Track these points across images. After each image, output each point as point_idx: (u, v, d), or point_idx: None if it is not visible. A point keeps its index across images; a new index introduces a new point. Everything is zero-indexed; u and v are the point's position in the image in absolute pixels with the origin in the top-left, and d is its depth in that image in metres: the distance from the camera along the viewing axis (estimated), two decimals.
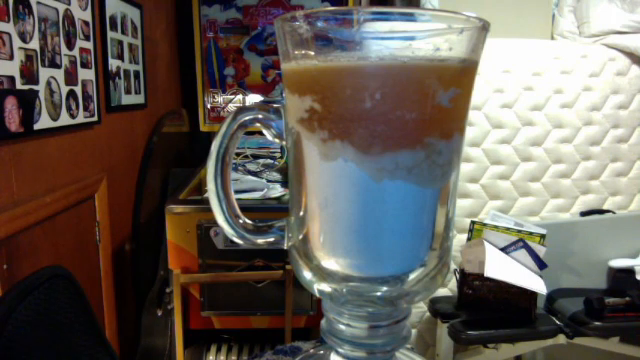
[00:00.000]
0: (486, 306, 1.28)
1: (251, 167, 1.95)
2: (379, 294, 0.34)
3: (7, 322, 0.58)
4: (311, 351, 0.44)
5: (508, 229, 1.28)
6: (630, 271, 1.38)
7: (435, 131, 0.31)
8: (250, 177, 1.82)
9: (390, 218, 0.32)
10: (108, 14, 1.53)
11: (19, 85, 1.04)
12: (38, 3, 1.11)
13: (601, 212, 1.57)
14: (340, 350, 0.36)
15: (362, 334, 0.35)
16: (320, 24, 0.32)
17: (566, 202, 1.62)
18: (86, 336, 0.71)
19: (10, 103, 1.01)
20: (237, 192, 1.60)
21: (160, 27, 2.12)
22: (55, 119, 1.20)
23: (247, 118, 0.36)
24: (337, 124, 0.31)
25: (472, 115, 1.54)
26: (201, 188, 1.76)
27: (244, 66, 2.21)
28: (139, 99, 1.83)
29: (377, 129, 0.30)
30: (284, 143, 0.36)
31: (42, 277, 0.66)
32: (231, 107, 2.22)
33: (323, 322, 0.37)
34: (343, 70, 0.31)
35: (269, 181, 1.78)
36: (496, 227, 1.28)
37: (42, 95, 1.14)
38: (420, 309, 1.53)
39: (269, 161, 2.04)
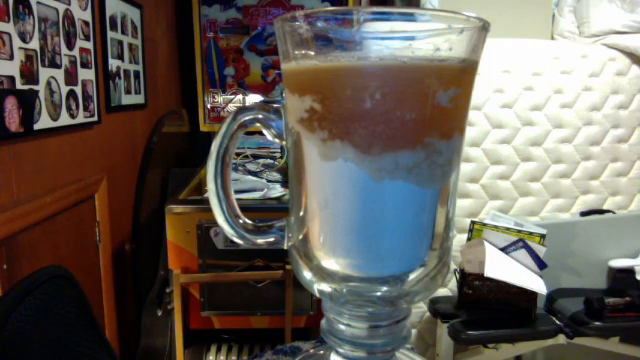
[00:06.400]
0: (486, 306, 1.28)
1: (251, 167, 1.95)
2: (379, 294, 0.34)
3: (7, 322, 0.58)
4: (311, 351, 0.44)
5: (508, 229, 1.28)
6: (630, 271, 1.38)
7: (435, 131, 0.31)
8: (250, 177, 1.82)
9: (390, 218, 0.32)
10: (108, 14, 1.53)
11: (19, 85, 1.05)
12: (38, 3, 1.11)
13: (601, 212, 1.57)
14: (340, 350, 0.36)
15: (362, 334, 0.35)
16: (320, 24, 0.32)
17: (566, 202, 1.62)
18: (86, 336, 0.71)
19: (10, 103, 1.01)
20: (237, 192, 1.60)
21: (160, 27, 2.12)
22: (55, 119, 1.20)
23: (247, 118, 0.36)
24: (337, 124, 0.31)
25: (472, 115, 1.54)
26: (201, 188, 1.76)
27: (244, 66, 2.21)
28: (139, 99, 1.83)
29: (377, 129, 0.30)
30: (284, 143, 0.36)
31: (42, 277, 0.66)
32: (231, 107, 2.22)
33: (323, 322, 0.37)
34: (343, 70, 0.31)
35: (269, 181, 1.78)
36: (496, 227, 1.28)
37: (42, 95, 1.14)
38: (420, 309, 1.53)
39: (269, 161, 2.04)
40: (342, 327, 0.35)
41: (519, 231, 1.27)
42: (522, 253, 1.24)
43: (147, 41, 1.89)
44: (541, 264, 1.22)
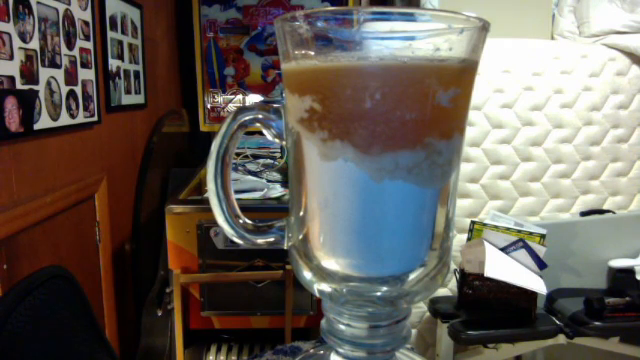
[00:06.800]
0: (486, 306, 1.28)
1: (251, 167, 1.95)
2: (379, 294, 0.34)
3: (7, 322, 0.58)
4: (311, 351, 0.44)
5: (508, 229, 1.28)
6: (630, 271, 1.38)
7: (435, 131, 0.31)
8: (250, 177, 1.82)
9: (390, 218, 0.32)
10: (108, 14, 1.53)
11: (19, 85, 1.05)
12: (38, 3, 1.11)
13: (601, 212, 1.57)
14: (340, 350, 0.36)
15: (362, 334, 0.35)
16: (320, 24, 0.32)
17: (566, 202, 1.62)
18: (86, 336, 0.71)
19: (10, 103, 1.01)
20: (237, 192, 1.60)
21: (160, 27, 2.12)
22: (55, 119, 1.20)
23: (247, 118, 0.36)
24: (337, 124, 0.31)
25: (472, 115, 1.54)
26: (201, 188, 1.76)
27: (244, 66, 2.21)
28: (139, 99, 1.83)
29: (377, 129, 0.30)
30: (284, 143, 0.36)
31: (42, 277, 0.66)
32: (231, 107, 2.22)
33: (323, 322, 0.37)
34: (343, 70, 0.31)
35: (269, 181, 1.78)
36: (496, 227, 1.28)
37: (42, 95, 1.14)
38: (420, 309, 1.53)
39: (269, 161, 2.04)
40: (342, 327, 0.35)
41: (519, 231, 1.27)
42: (522, 253, 1.24)
43: (147, 41, 1.89)
44: (541, 264, 1.22)
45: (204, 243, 1.51)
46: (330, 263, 0.34)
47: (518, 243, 1.24)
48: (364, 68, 0.30)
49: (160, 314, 1.66)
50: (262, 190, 1.63)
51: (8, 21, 1.01)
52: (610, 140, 1.64)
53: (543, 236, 1.26)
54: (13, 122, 1.03)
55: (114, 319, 1.57)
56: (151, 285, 1.74)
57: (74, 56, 1.29)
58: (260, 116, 0.36)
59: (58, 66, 1.21)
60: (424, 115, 0.31)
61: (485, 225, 1.29)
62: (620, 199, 1.65)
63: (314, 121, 0.32)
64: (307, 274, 0.35)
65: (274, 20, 0.33)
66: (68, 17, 1.26)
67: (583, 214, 1.56)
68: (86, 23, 1.36)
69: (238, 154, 2.05)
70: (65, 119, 1.25)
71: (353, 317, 0.35)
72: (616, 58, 1.64)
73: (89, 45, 1.38)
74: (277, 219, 0.38)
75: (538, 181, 1.60)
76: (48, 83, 1.16)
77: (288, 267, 1.49)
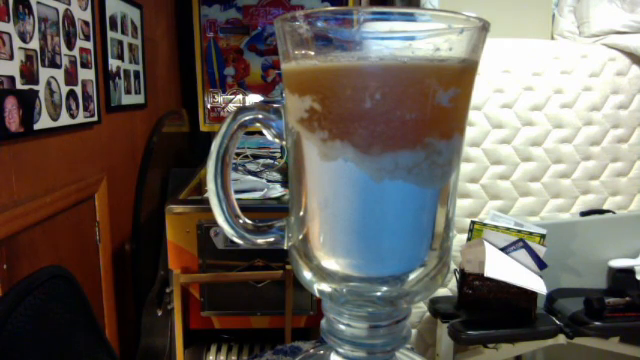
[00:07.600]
0: (486, 306, 1.28)
1: (251, 167, 1.95)
2: (379, 294, 0.34)
3: (7, 322, 0.58)
4: (311, 351, 0.44)
5: (508, 229, 1.28)
6: (630, 271, 1.38)
7: (435, 131, 0.31)
8: (250, 177, 1.82)
9: (390, 218, 0.32)
10: (108, 14, 1.53)
11: (19, 85, 1.05)
12: (38, 3, 1.11)
13: (601, 212, 1.57)
14: (340, 350, 0.36)
15: (362, 334, 0.35)
16: (320, 24, 0.32)
17: (566, 202, 1.62)
18: (86, 336, 0.71)
19: (10, 103, 1.01)
20: (237, 192, 1.60)
21: (160, 27, 2.12)
22: (55, 119, 1.20)
23: (247, 118, 0.36)
24: (337, 124, 0.31)
25: (472, 115, 1.54)
26: (201, 188, 1.76)
27: (244, 66, 2.21)
28: (139, 99, 1.83)
29: (377, 129, 0.30)
30: (284, 143, 0.36)
31: (42, 277, 0.66)
32: (231, 107, 2.22)
33: (323, 322, 0.37)
34: (343, 70, 0.31)
35: (269, 181, 1.78)
36: (496, 227, 1.28)
37: (42, 95, 1.14)
38: (420, 309, 1.53)
39: (269, 161, 2.04)
40: (342, 327, 0.35)
41: (519, 231, 1.27)
42: (522, 253, 1.24)
43: (147, 41, 1.89)
44: (541, 264, 1.22)
45: (204, 243, 1.51)
46: (330, 263, 0.34)
47: (518, 243, 1.24)
48: (364, 68, 0.30)
49: (160, 314, 1.66)
50: (262, 190, 1.63)
51: (8, 21, 1.01)
52: (610, 140, 1.64)
53: (543, 236, 1.26)
54: (13, 122, 1.03)
55: (114, 319, 1.57)
56: (151, 285, 1.74)
57: (74, 56, 1.29)
58: (260, 116, 0.36)
59: (58, 66, 1.21)
60: (424, 115, 0.31)
61: (485, 225, 1.29)
62: (620, 199, 1.65)
63: (314, 121, 0.32)
64: (307, 274, 0.35)
65: (274, 20, 0.33)
66: (68, 17, 1.26)
67: (583, 214, 1.56)
68: (86, 23, 1.36)
69: (238, 154, 2.05)
70: (65, 119, 1.25)
71: (353, 317, 0.35)
72: (616, 58, 1.64)
73: (89, 45, 1.38)
74: (277, 219, 0.38)
75: (538, 181, 1.60)
76: (48, 83, 1.16)
77: (288, 267, 1.49)
